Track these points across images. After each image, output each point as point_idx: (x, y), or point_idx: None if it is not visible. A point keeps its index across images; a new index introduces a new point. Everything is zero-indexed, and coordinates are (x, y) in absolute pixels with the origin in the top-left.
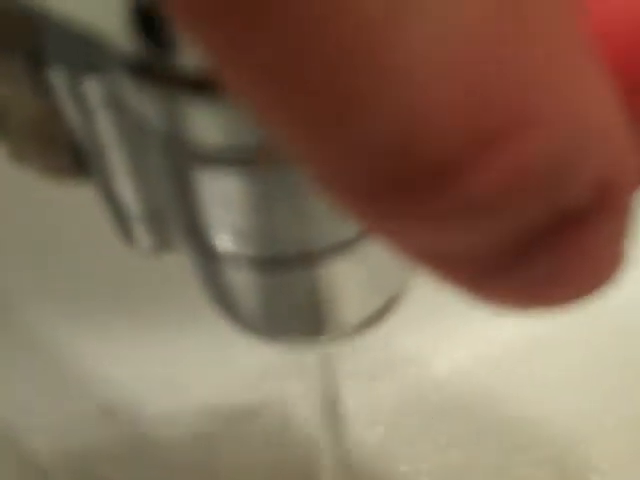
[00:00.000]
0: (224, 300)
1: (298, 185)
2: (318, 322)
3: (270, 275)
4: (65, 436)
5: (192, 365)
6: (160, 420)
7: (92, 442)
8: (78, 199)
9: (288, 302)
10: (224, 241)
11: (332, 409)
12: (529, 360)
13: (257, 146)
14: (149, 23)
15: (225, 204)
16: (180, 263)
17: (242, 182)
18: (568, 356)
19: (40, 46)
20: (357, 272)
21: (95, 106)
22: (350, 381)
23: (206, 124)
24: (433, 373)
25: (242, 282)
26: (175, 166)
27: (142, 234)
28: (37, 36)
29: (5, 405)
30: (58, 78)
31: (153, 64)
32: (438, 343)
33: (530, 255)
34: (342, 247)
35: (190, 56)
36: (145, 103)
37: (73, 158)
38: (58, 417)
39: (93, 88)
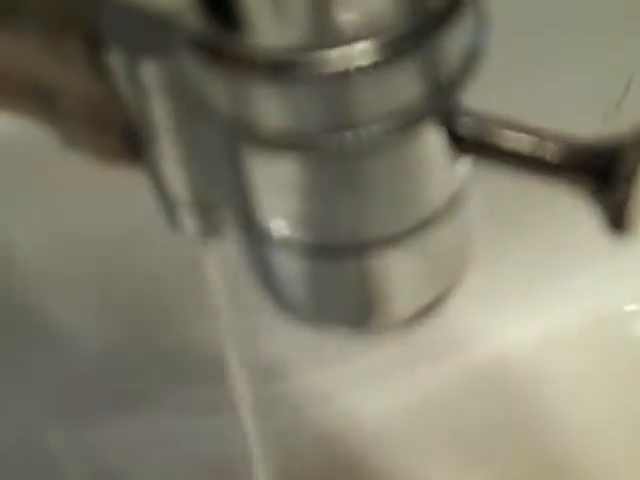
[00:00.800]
0: (273, 286)
1: (357, 173)
2: (366, 313)
3: (322, 262)
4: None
5: None
6: None
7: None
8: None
9: (337, 291)
10: (279, 226)
11: None
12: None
13: (321, 131)
14: (219, 2)
15: (283, 189)
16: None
17: (303, 167)
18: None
19: (100, 27)
20: (409, 265)
21: (152, 89)
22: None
23: (273, 107)
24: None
25: (293, 268)
26: (235, 149)
27: (188, 220)
28: (98, 17)
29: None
30: (117, 60)
31: (222, 44)
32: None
33: None
34: (396, 239)
35: (260, 36)
36: (211, 84)
37: (126, 141)
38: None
39: (151, 70)
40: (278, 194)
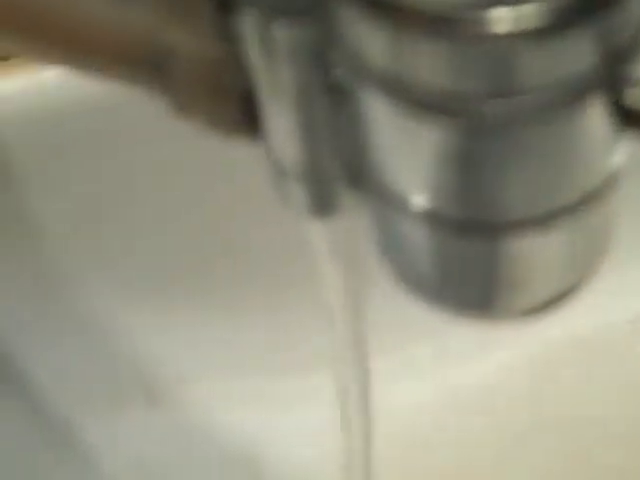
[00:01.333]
0: (399, 260)
1: (512, 145)
2: (491, 299)
3: (456, 238)
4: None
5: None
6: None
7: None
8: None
9: (465, 271)
10: (416, 197)
11: None
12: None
13: (480, 96)
14: None
15: (427, 157)
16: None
17: (452, 135)
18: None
19: None
20: (548, 252)
21: (281, 53)
22: None
23: (432, 65)
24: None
25: (424, 241)
26: (380, 114)
27: (301, 194)
28: None
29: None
30: (247, 20)
31: None
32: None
33: None
34: (541, 220)
35: None
36: (369, 39)
37: (244, 110)
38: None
39: (283, 33)
40: (419, 162)
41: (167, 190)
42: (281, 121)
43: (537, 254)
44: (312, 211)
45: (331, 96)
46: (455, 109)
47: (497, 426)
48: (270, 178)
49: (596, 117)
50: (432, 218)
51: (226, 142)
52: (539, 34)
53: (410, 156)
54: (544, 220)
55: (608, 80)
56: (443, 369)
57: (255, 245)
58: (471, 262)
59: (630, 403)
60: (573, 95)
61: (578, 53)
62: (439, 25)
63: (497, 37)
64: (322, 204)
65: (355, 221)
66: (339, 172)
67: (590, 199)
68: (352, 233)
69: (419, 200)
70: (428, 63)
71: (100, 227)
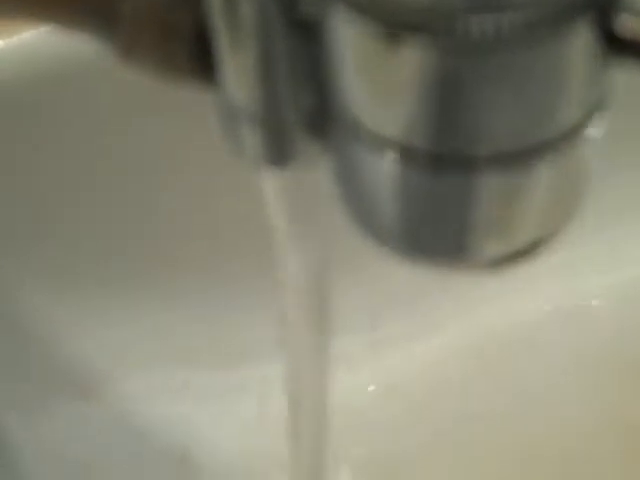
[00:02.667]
0: (366, 208)
1: (490, 69)
2: (463, 245)
3: (426, 175)
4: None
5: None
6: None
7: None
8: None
9: (438, 214)
10: (389, 131)
11: None
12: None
13: (459, 12)
14: None
15: (401, 84)
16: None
17: (428, 57)
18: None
19: None
20: (523, 192)
21: None
22: None
23: None
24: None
25: (395, 183)
26: (353, 42)
27: (255, 140)
28: None
29: None
30: None
31: None
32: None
33: None
34: (518, 155)
35: None
36: None
37: (196, 51)
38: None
39: None
40: (395, 91)
41: (99, 179)
42: (239, 60)
43: (515, 194)
44: (266, 159)
45: (295, 32)
46: (437, 27)
47: (430, 415)
48: (221, 126)
49: (583, 43)
50: (405, 154)
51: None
52: None
53: (385, 84)
54: (524, 155)
55: (598, 3)
56: (382, 354)
57: (186, 239)
58: (445, 203)
59: (574, 389)
60: (561, 16)
61: None
62: None
63: None
64: (277, 151)
65: (311, 173)
66: (298, 116)
67: (573, 134)
68: (307, 186)
69: (392, 134)
70: None
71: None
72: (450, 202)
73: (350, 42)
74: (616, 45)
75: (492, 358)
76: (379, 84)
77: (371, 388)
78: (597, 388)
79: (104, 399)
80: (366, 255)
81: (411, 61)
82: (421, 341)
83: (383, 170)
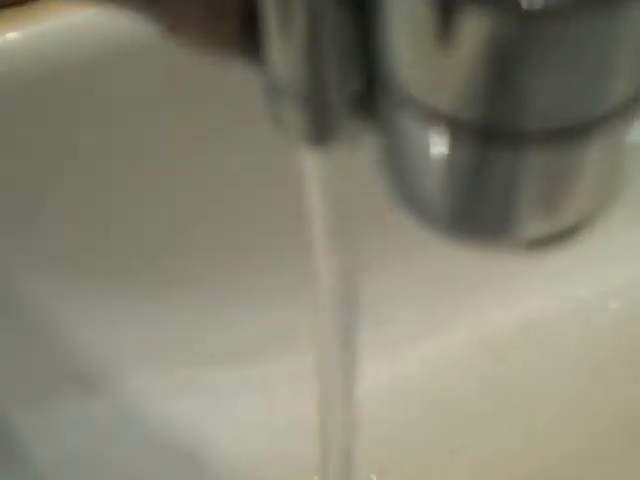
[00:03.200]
0: (412, 185)
1: (542, 41)
2: (507, 223)
3: (478, 150)
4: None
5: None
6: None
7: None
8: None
9: (484, 190)
10: (440, 102)
11: None
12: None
13: None
14: None
15: (458, 55)
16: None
17: (481, 27)
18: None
19: None
20: (566, 171)
21: None
22: None
23: None
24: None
25: (443, 157)
26: (410, 12)
27: (299, 117)
28: None
29: None
30: None
31: None
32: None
33: None
34: (561, 136)
35: None
36: None
37: (243, 25)
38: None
39: None
40: (447, 62)
41: (95, 173)
42: (286, 38)
43: (562, 172)
44: (308, 137)
45: (344, 8)
46: None
47: (444, 412)
48: (266, 104)
49: (639, 14)
50: (454, 127)
51: (220, 62)
52: None
53: (438, 53)
54: (574, 132)
55: None
56: (389, 353)
57: (189, 234)
58: (492, 179)
59: (582, 386)
60: None
61: None
62: None
63: None
64: (321, 130)
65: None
66: (343, 95)
67: (624, 112)
68: (345, 170)
69: (442, 106)
70: None
71: (29, 212)
72: (496, 178)
73: (404, 9)
74: None
75: (505, 356)
76: (432, 53)
77: (382, 388)
78: (608, 387)
79: (108, 394)
80: (376, 252)
81: (466, 28)
82: (432, 339)
83: (430, 144)
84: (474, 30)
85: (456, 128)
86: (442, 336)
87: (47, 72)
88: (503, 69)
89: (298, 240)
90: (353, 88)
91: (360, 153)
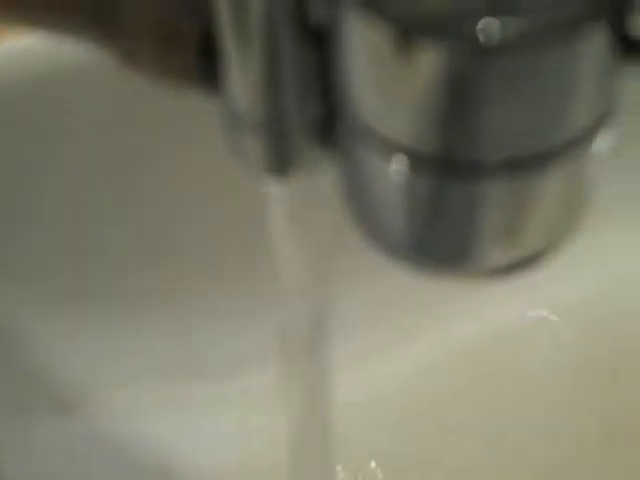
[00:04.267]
0: (372, 216)
1: (501, 73)
2: (468, 253)
3: (437, 181)
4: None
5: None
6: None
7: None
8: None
9: (444, 221)
10: (399, 136)
11: None
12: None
13: (471, 16)
14: None
15: (409, 90)
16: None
17: (437, 62)
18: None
19: None
20: (526, 201)
21: None
22: None
23: None
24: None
25: (403, 190)
26: (366, 46)
27: (259, 148)
28: None
29: None
30: None
31: None
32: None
33: None
34: (520, 167)
35: None
36: None
37: (200, 58)
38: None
39: None
40: (406, 95)
41: (82, 196)
42: (246, 68)
43: (522, 202)
44: (269, 167)
45: (304, 41)
46: (451, 30)
47: (418, 423)
48: (224, 135)
49: (596, 47)
50: (414, 159)
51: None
52: None
53: (396, 88)
54: (533, 162)
55: (610, 7)
56: (363, 365)
57: (166, 250)
58: (451, 210)
59: (553, 395)
60: (572, 20)
61: None
62: None
63: None
64: (280, 160)
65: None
66: (303, 125)
67: (582, 141)
68: (308, 195)
69: (401, 139)
70: None
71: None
72: (455, 209)
73: (362, 45)
74: (629, 49)
75: (476, 368)
76: (390, 88)
77: (354, 400)
78: (580, 397)
79: (84, 414)
80: (347, 265)
81: (424, 64)
82: (403, 351)
83: (391, 176)
84: (430, 64)
85: (413, 159)
86: (413, 348)
87: None
88: (459, 102)
89: (268, 260)
90: (313, 117)
91: (323, 179)
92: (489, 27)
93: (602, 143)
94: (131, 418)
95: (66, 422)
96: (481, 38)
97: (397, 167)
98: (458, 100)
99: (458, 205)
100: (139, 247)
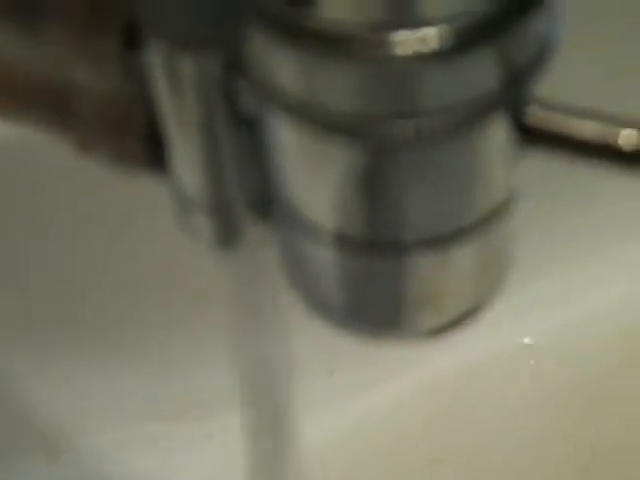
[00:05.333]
0: (308, 286)
1: (414, 165)
2: (398, 319)
3: (363, 259)
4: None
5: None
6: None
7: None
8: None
9: (373, 292)
10: (325, 220)
11: None
12: None
13: (382, 118)
14: None
15: (332, 178)
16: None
17: (356, 155)
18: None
19: (136, 21)
20: (454, 268)
21: (188, 85)
22: None
23: (335, 86)
24: None
25: (333, 265)
26: (288, 139)
27: (207, 226)
28: (134, 10)
29: None
30: (154, 55)
31: (289, 17)
32: None
33: None
34: (447, 238)
35: (328, 10)
36: (273, 61)
37: (148, 146)
38: None
39: (190, 65)
40: (328, 185)
41: (54, 235)
42: (187, 153)
43: (442, 273)
44: (217, 242)
45: (237, 127)
46: (362, 131)
47: (394, 460)
48: (174, 211)
49: (498, 135)
50: (340, 240)
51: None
52: (441, 56)
53: (318, 179)
54: (447, 239)
55: (510, 99)
56: (336, 402)
57: (146, 289)
58: (379, 282)
59: (532, 429)
60: (476, 115)
61: (480, 73)
62: (341, 47)
63: (399, 59)
64: (226, 236)
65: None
66: (244, 202)
67: (494, 216)
68: (259, 265)
69: (328, 223)
70: (334, 86)
71: None
72: (384, 282)
73: (284, 139)
74: (528, 135)
75: (452, 402)
76: (311, 178)
77: (331, 435)
78: (558, 429)
79: (69, 455)
80: None
81: (339, 159)
82: (379, 389)
83: (320, 254)
84: (345, 159)
85: (338, 240)
86: (391, 383)
87: None
88: (374, 191)
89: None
90: (252, 194)
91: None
92: (397, 127)
93: (512, 213)
94: (116, 460)
95: (51, 467)
96: (390, 137)
97: (325, 247)
98: (373, 190)
99: (384, 278)
100: (129, 294)
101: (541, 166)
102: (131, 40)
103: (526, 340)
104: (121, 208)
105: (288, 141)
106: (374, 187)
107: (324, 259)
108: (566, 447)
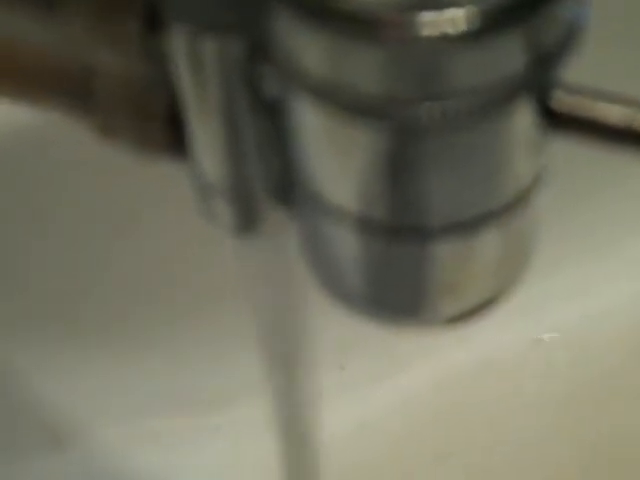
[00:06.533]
0: (329, 272)
1: (441, 149)
2: (420, 306)
3: (386, 245)
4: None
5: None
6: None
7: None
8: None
9: (395, 278)
10: (348, 204)
11: None
12: None
13: (408, 100)
14: None
15: (358, 162)
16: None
17: (382, 138)
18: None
19: (157, 4)
20: (478, 255)
21: (210, 69)
22: None
23: (361, 68)
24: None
25: (355, 250)
26: (313, 122)
27: (227, 212)
28: None
29: None
30: (176, 38)
31: (322, 2)
32: None
33: None
34: (461, 229)
35: None
36: (298, 43)
37: (170, 130)
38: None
39: (212, 48)
40: (353, 169)
41: (57, 231)
42: (208, 138)
43: (466, 259)
44: (237, 228)
45: (259, 112)
46: (388, 113)
47: (404, 454)
48: (195, 197)
49: (524, 120)
50: (363, 225)
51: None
52: (469, 38)
53: (344, 163)
54: (472, 224)
55: (536, 82)
56: (347, 396)
57: (150, 285)
58: (402, 268)
59: (542, 425)
60: (502, 98)
61: (507, 56)
62: (368, 28)
63: (427, 40)
64: (247, 221)
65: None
66: (265, 187)
67: (519, 202)
68: (279, 252)
69: (351, 207)
70: (361, 67)
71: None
72: (406, 268)
73: (309, 123)
74: (553, 120)
75: (465, 395)
76: (336, 162)
77: (343, 429)
78: (568, 425)
79: (75, 450)
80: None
81: (365, 142)
82: (393, 381)
83: (343, 239)
84: (372, 142)
85: (362, 224)
86: (402, 377)
87: None
88: (402, 176)
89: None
90: (274, 180)
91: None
92: (425, 110)
93: (537, 200)
94: (124, 454)
95: (57, 459)
96: (418, 119)
97: (348, 230)
98: (398, 174)
99: (406, 264)
100: (133, 288)
101: (556, 161)
102: (152, 23)
103: (539, 335)
104: (125, 204)
105: (313, 125)
106: (399, 171)
107: (346, 245)
108: (580, 442)
